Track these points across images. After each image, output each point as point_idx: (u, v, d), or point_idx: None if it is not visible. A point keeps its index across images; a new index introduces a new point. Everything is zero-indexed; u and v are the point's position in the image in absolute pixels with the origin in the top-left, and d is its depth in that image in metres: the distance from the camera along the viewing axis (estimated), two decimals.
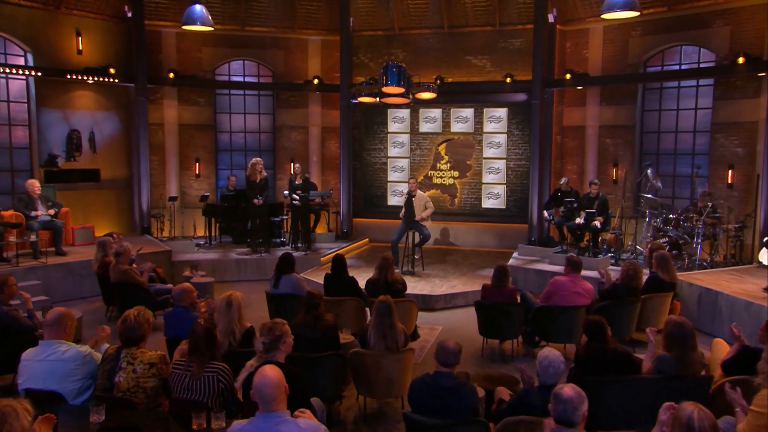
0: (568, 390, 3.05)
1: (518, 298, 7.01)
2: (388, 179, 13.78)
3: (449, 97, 12.67)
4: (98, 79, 11.70)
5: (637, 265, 6.85)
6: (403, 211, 10.44)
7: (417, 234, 10.36)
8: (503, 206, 13.07)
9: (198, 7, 9.17)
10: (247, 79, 13.73)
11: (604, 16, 8.24)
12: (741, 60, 9.80)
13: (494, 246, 12.82)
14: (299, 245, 11.42)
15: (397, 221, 13.21)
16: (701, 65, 11.05)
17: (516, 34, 12.58)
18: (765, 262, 8.76)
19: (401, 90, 8.51)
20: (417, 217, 10.21)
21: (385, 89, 8.49)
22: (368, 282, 6.94)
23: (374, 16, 13.21)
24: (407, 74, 8.62)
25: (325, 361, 4.89)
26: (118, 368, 3.85)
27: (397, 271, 10.05)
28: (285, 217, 12.12)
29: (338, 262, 7.05)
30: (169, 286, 8.22)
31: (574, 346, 6.81)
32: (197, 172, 13.51)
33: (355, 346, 5.34)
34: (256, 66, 13.76)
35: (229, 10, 12.84)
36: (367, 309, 7.01)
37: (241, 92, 13.70)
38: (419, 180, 13.38)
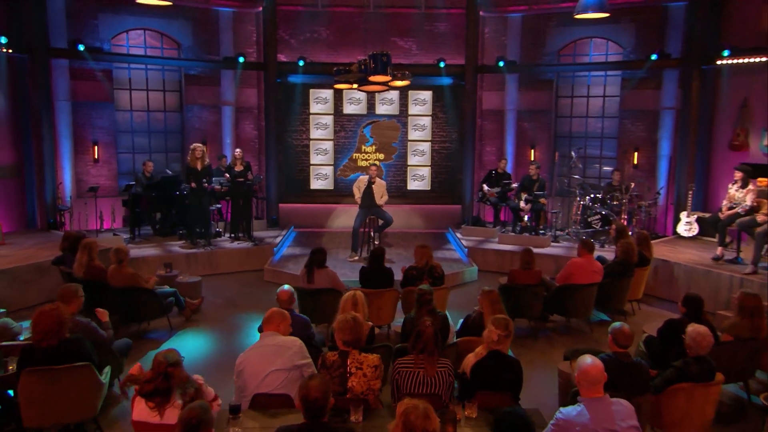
0: None
1: None
2: (311, 162, 14.05)
3: None
4: None
5: (634, 245, 8.26)
6: (360, 197, 10.99)
7: (376, 219, 11.02)
8: (428, 188, 14.13)
9: None
10: (148, 51, 13.02)
11: (577, 17, 9.58)
12: (653, 56, 11.88)
13: (422, 227, 13.74)
14: (240, 236, 11.44)
15: (322, 206, 13.88)
16: (609, 57, 13.05)
17: (441, 18, 13.56)
18: (684, 234, 10.96)
19: (388, 78, 9.06)
20: (378, 203, 10.85)
21: (373, 78, 8.96)
22: (410, 268, 7.47)
23: None
24: (391, 62, 9.18)
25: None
26: (348, 374, 4.19)
27: (356, 257, 10.86)
28: (219, 206, 11.97)
29: (379, 254, 7.43)
30: (165, 287, 8.05)
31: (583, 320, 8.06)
32: (96, 157, 12.63)
33: None
34: (159, 37, 13.12)
35: None
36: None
37: (143, 66, 13.01)
38: (348, 164, 14.00)
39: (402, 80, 9.64)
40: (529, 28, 13.42)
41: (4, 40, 10.35)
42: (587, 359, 3.66)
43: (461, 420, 3.93)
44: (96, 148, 12.57)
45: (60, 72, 11.91)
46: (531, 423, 3.08)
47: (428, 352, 4.25)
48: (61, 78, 11.94)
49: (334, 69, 9.54)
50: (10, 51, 10.67)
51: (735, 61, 10.86)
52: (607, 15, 9.46)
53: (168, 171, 12.49)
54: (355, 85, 9.65)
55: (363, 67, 9.23)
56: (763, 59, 10.42)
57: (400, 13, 13.51)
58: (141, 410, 3.60)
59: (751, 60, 10.60)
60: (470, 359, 4.51)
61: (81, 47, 11.35)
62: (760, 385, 6.07)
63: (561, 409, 3.54)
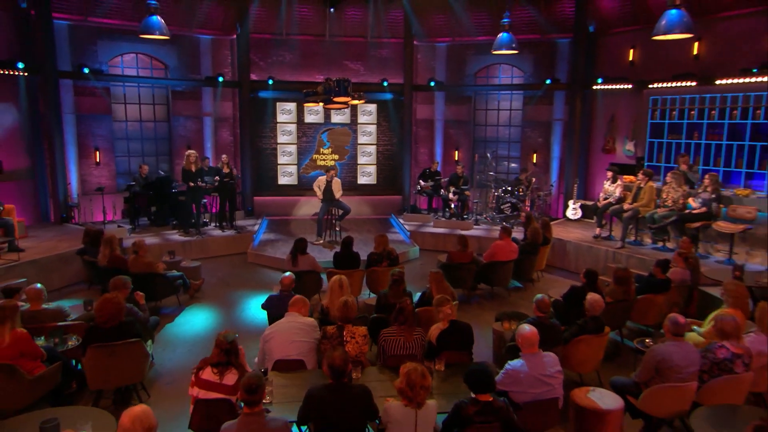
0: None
1: None
2: (279, 162, 14.18)
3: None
4: (3, 72, 10.09)
5: (540, 230, 9.01)
6: (321, 194, 11.32)
7: (337, 210, 11.40)
8: (374, 182, 14.57)
9: (156, 18, 8.80)
10: (140, 72, 12.77)
11: (494, 52, 10.21)
12: (548, 81, 12.78)
13: (370, 214, 14.20)
14: (224, 224, 11.58)
15: (288, 198, 14.10)
16: (514, 80, 13.85)
17: (383, 46, 13.93)
18: (571, 218, 11.94)
19: (349, 98, 9.42)
20: (337, 197, 11.24)
21: (337, 99, 9.31)
22: (371, 254, 7.89)
23: (263, 21, 13.29)
24: (351, 86, 9.54)
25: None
26: (344, 342, 4.62)
27: (321, 241, 11.22)
28: (204, 201, 12.02)
29: (348, 242, 7.80)
30: (174, 271, 8.16)
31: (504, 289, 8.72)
32: (97, 160, 12.39)
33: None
34: (149, 60, 12.89)
35: (130, 5, 11.81)
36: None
37: (136, 84, 12.75)
38: (309, 164, 14.25)
39: (359, 100, 10.04)
40: (453, 55, 14.01)
41: (21, 65, 10.07)
42: (526, 327, 4.21)
43: (434, 373, 4.49)
44: (97, 153, 12.33)
45: (66, 90, 11.61)
46: (492, 374, 3.63)
47: (408, 324, 4.72)
48: (67, 95, 11.64)
49: (304, 91, 9.80)
50: (26, 74, 10.38)
51: (606, 87, 11.89)
52: (516, 52, 10.13)
53: (160, 172, 12.41)
54: (321, 104, 9.93)
55: (328, 89, 9.57)
56: (626, 86, 11.45)
57: (351, 41, 13.76)
58: (207, 374, 3.96)
59: (617, 87, 11.65)
60: (434, 331, 4.91)
61: (86, 70, 11.17)
62: (630, 332, 6.97)
63: (509, 362, 4.16)
